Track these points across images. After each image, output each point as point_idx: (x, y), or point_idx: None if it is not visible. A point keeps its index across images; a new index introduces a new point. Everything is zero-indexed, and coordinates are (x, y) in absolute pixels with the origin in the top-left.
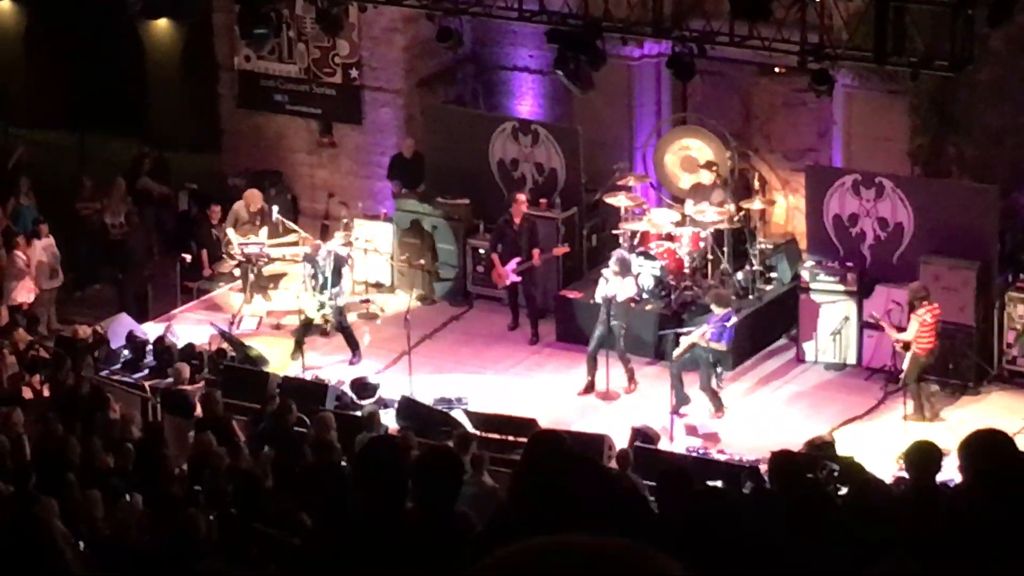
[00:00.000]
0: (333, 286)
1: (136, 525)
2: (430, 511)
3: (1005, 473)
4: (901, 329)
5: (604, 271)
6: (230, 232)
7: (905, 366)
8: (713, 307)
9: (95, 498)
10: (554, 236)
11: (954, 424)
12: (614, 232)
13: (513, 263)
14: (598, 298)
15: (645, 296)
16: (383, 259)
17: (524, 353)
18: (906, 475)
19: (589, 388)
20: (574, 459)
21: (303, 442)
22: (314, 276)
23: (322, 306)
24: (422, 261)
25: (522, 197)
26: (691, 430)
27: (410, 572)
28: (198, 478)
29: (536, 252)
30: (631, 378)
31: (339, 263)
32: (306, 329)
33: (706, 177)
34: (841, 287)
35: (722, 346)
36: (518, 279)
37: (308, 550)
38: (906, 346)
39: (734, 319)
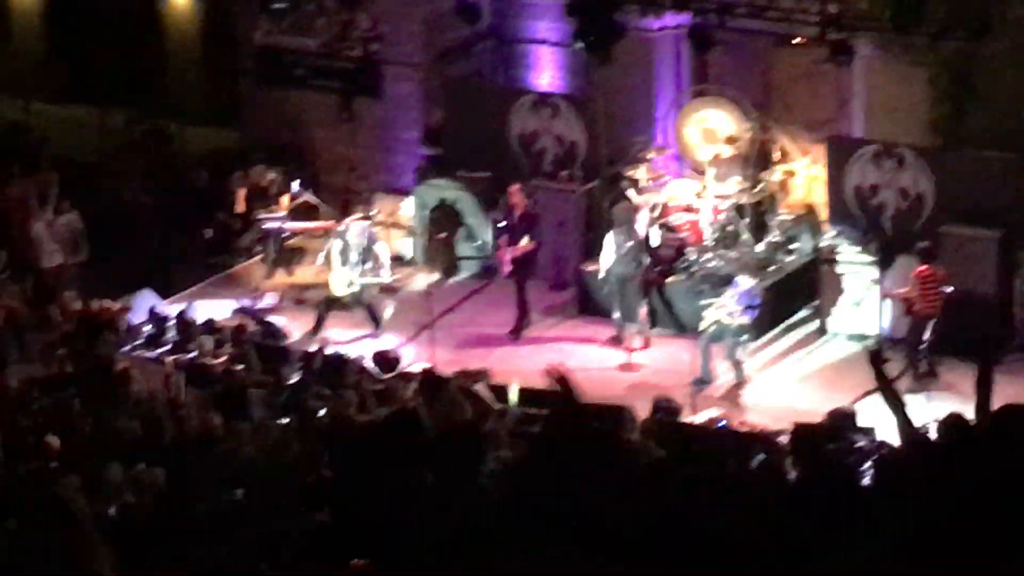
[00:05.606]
0: (364, 262)
1: (156, 497)
2: (451, 486)
3: None
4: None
5: (606, 237)
6: (261, 214)
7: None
8: (740, 278)
9: (115, 472)
10: (573, 209)
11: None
12: (626, 196)
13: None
14: (603, 270)
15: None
16: (404, 233)
17: (544, 326)
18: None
19: (615, 342)
20: (593, 436)
21: (323, 417)
22: (343, 252)
23: (351, 283)
24: (445, 234)
25: (515, 188)
26: (714, 402)
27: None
28: (214, 454)
29: (525, 241)
30: (646, 343)
31: (372, 239)
32: (330, 304)
33: (726, 151)
34: (863, 258)
35: (747, 319)
36: (510, 267)
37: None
38: (910, 310)
39: (757, 291)
